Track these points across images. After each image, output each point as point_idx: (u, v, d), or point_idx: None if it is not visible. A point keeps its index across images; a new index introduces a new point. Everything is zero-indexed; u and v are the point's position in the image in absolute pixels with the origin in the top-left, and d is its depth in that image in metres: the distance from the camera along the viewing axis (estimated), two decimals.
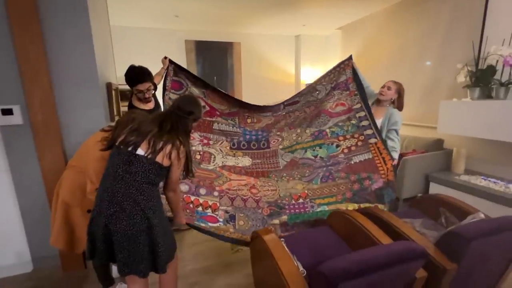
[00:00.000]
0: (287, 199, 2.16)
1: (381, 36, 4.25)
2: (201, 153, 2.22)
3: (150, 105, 2.26)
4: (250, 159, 2.32)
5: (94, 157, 1.53)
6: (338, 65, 2.42)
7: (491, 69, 2.51)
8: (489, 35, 2.68)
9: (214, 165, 2.21)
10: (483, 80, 2.59)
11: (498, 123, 2.43)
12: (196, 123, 1.55)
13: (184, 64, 5.00)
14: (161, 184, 1.42)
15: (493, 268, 1.50)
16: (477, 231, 1.28)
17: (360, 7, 4.03)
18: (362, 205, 2.12)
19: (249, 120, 2.41)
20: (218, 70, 5.48)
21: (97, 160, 1.52)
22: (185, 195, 1.99)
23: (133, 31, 4.76)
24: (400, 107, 2.33)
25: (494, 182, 2.64)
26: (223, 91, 2.36)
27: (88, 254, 1.33)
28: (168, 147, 1.28)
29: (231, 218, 2.00)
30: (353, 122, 2.34)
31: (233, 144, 2.34)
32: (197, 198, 2.01)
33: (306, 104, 2.46)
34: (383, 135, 2.28)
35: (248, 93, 5.62)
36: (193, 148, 2.20)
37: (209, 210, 1.99)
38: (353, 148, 2.30)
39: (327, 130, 2.38)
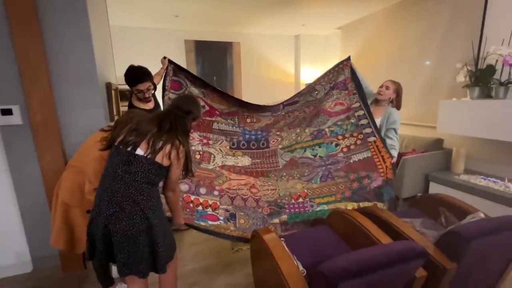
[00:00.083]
0: (286, 198, 2.16)
1: (380, 36, 4.25)
2: (201, 153, 2.22)
3: (150, 105, 2.26)
4: (250, 159, 2.32)
5: (94, 157, 1.53)
6: (337, 65, 2.43)
7: (491, 69, 2.52)
8: (488, 35, 2.68)
9: (214, 164, 2.21)
10: (482, 80, 2.59)
11: (497, 122, 2.43)
12: (195, 123, 1.55)
13: (183, 64, 4.99)
14: (161, 184, 1.42)
15: (493, 267, 1.50)
16: (477, 230, 1.28)
17: (360, 7, 4.03)
18: (361, 204, 2.13)
19: (248, 120, 2.41)
20: (218, 70, 5.48)
21: (97, 160, 1.52)
22: (185, 195, 1.99)
23: (133, 31, 4.76)
24: (398, 106, 2.34)
25: (494, 182, 2.65)
26: (222, 90, 2.36)
27: (88, 254, 1.32)
28: (168, 146, 1.28)
29: (232, 217, 2.00)
30: (352, 121, 2.34)
31: (233, 144, 2.34)
32: (197, 197, 2.01)
33: (306, 104, 2.47)
34: (382, 134, 2.29)
35: (248, 93, 5.62)
36: (193, 148, 2.20)
37: (209, 209, 1.99)
38: (352, 147, 2.31)
39: (326, 130, 2.38)
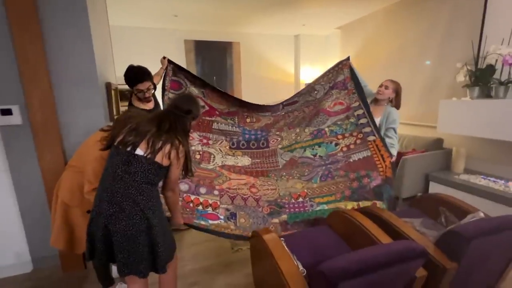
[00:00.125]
0: (286, 198, 2.17)
1: (380, 36, 4.25)
2: (201, 153, 2.22)
3: (150, 105, 2.26)
4: (250, 159, 2.32)
5: (94, 156, 1.53)
6: (336, 65, 2.43)
7: (491, 68, 2.52)
8: (488, 35, 2.68)
9: (214, 164, 2.21)
10: (482, 79, 2.59)
11: (497, 122, 2.43)
12: (194, 122, 1.54)
13: (183, 64, 4.99)
14: (160, 183, 1.42)
15: (493, 267, 1.50)
16: (477, 230, 1.28)
17: (360, 6, 4.03)
18: (361, 203, 2.13)
19: (248, 120, 2.41)
20: (218, 70, 5.48)
21: (96, 159, 1.52)
22: (185, 194, 1.99)
23: (132, 31, 4.76)
24: (397, 105, 2.35)
25: (494, 181, 2.65)
26: (222, 90, 2.36)
27: (88, 254, 1.32)
28: (167, 146, 1.28)
29: (232, 216, 2.01)
30: (352, 120, 2.34)
31: (233, 144, 2.34)
32: (197, 197, 2.01)
33: (305, 104, 2.47)
34: (382, 133, 2.29)
35: (248, 93, 5.62)
36: (193, 148, 2.20)
37: (209, 209, 1.99)
38: (352, 146, 2.31)
39: (326, 129, 2.38)
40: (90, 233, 1.30)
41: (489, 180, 2.69)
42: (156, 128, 1.29)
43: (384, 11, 4.12)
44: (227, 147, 2.32)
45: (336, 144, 2.34)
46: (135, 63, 2.11)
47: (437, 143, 3.25)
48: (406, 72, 3.76)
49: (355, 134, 2.32)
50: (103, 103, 2.19)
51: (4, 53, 1.84)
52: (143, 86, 2.08)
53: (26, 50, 1.84)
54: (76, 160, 1.69)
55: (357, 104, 2.35)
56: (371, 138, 2.27)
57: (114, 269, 1.93)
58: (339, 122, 2.38)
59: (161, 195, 1.43)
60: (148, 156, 1.25)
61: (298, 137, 2.40)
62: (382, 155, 2.20)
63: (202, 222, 1.92)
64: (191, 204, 1.97)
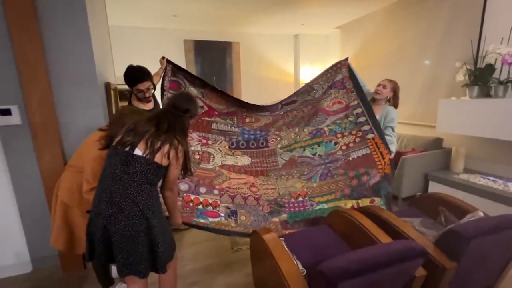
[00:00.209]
0: (286, 197, 2.17)
1: (380, 35, 4.25)
2: (200, 153, 2.22)
3: (150, 105, 2.26)
4: (249, 158, 2.32)
5: (93, 156, 1.53)
6: (335, 65, 2.43)
7: (490, 68, 2.52)
8: (487, 34, 2.68)
9: (214, 164, 2.21)
10: (481, 79, 2.59)
11: (497, 121, 2.44)
12: (193, 120, 1.53)
13: (183, 64, 4.99)
14: (159, 183, 1.41)
15: (492, 266, 1.50)
16: (476, 229, 1.28)
17: (359, 6, 4.03)
18: (360, 201, 2.14)
19: (247, 120, 2.41)
20: (217, 70, 5.48)
21: (95, 159, 1.52)
22: (185, 194, 1.99)
23: (132, 31, 4.75)
24: (395, 105, 2.37)
25: (493, 181, 2.65)
26: (221, 90, 2.35)
27: (88, 255, 1.32)
28: (166, 146, 1.28)
29: (233, 213, 2.01)
30: (351, 119, 2.35)
31: (232, 144, 2.34)
32: (197, 197, 2.01)
33: (304, 103, 2.47)
34: None
35: (247, 93, 5.62)
36: (192, 148, 2.20)
37: (209, 207, 2.00)
38: (351, 144, 2.31)
39: (325, 128, 2.38)
40: (90, 234, 1.30)
41: (488, 179, 2.70)
42: (155, 128, 1.29)
43: (383, 11, 4.13)
44: (227, 147, 2.32)
45: (336, 143, 2.34)
46: (135, 63, 2.11)
47: (437, 143, 3.26)
48: (405, 72, 3.77)
49: (354, 132, 2.33)
50: (102, 103, 2.18)
51: (3, 53, 1.84)
52: (143, 86, 2.08)
53: (25, 50, 1.83)
54: (76, 160, 1.69)
55: (356, 102, 2.35)
56: (370, 136, 2.27)
57: (114, 269, 1.93)
58: (338, 121, 2.38)
59: (160, 195, 1.43)
60: (147, 156, 1.24)
61: (298, 137, 2.40)
62: (381, 152, 2.21)
63: (202, 220, 1.93)
64: (191, 204, 1.97)
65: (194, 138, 2.24)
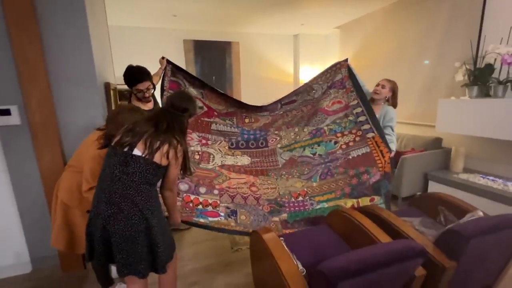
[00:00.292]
0: (286, 197, 2.17)
1: (379, 35, 4.25)
2: (200, 153, 2.22)
3: (150, 105, 2.25)
4: (249, 158, 2.32)
5: (92, 155, 1.54)
6: (334, 65, 2.43)
7: (489, 68, 2.52)
8: (487, 34, 2.68)
9: (213, 164, 2.21)
10: (481, 79, 2.59)
11: (496, 121, 2.44)
12: (192, 119, 1.52)
13: (182, 64, 4.99)
14: (159, 183, 1.41)
15: (492, 266, 1.50)
16: (476, 229, 1.28)
17: (359, 6, 4.04)
18: (360, 200, 2.14)
19: (247, 120, 2.41)
20: (217, 70, 5.48)
21: (94, 158, 1.52)
22: (184, 194, 1.99)
23: (131, 31, 4.75)
24: (394, 104, 2.37)
25: (493, 180, 2.65)
26: (221, 91, 2.36)
27: (87, 255, 1.32)
28: (165, 146, 1.27)
29: (233, 213, 2.01)
30: (351, 118, 2.35)
31: (232, 144, 2.34)
32: (197, 197, 2.01)
33: (303, 103, 2.47)
34: None
35: (247, 93, 5.63)
36: (192, 148, 2.20)
37: (209, 207, 2.00)
38: (351, 143, 2.31)
39: (325, 128, 2.39)
40: (89, 234, 1.30)
41: (488, 179, 2.70)
42: (154, 129, 1.28)
43: (383, 11, 4.13)
44: (226, 147, 2.32)
45: (336, 142, 2.34)
46: (134, 63, 2.11)
47: (436, 142, 3.26)
48: (405, 72, 3.77)
49: (354, 131, 2.33)
50: (102, 103, 2.18)
51: (2, 53, 1.84)
52: (142, 86, 2.07)
53: (25, 50, 1.83)
54: (75, 160, 1.69)
55: (355, 102, 2.35)
56: (370, 135, 2.27)
57: (113, 269, 1.93)
58: (338, 121, 2.38)
59: (159, 195, 1.43)
60: (146, 157, 1.24)
61: (297, 137, 2.40)
62: (381, 151, 2.21)
63: (201, 220, 1.93)
64: (190, 204, 1.97)
65: (193, 138, 2.24)
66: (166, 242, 1.36)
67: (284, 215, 2.09)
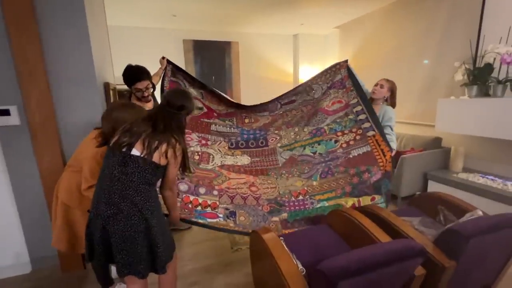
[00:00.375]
0: (286, 196, 2.17)
1: (379, 35, 4.25)
2: (200, 153, 2.22)
3: (149, 105, 2.25)
4: (249, 158, 2.32)
5: (90, 154, 1.54)
6: (334, 66, 2.44)
7: (489, 67, 2.52)
8: (486, 33, 2.69)
9: (213, 165, 2.21)
10: (480, 78, 2.60)
11: (496, 121, 2.44)
12: (189, 116, 1.51)
13: (182, 64, 4.99)
14: (158, 183, 1.41)
15: (491, 265, 1.50)
16: (476, 228, 1.28)
17: (358, 6, 4.04)
18: (361, 199, 2.14)
19: (246, 120, 2.41)
20: (216, 70, 5.47)
21: (93, 157, 1.53)
22: (184, 195, 1.99)
23: (131, 31, 4.75)
24: (393, 104, 2.37)
25: (492, 180, 2.65)
26: (221, 93, 2.36)
27: (87, 255, 1.32)
28: (164, 146, 1.27)
29: (231, 214, 2.01)
30: (351, 117, 2.35)
31: (231, 144, 2.34)
32: (196, 197, 2.01)
33: (303, 103, 2.47)
34: None
35: (247, 93, 5.62)
36: (192, 148, 2.20)
37: (208, 209, 2.00)
38: (351, 142, 2.31)
39: (325, 127, 2.39)
40: (89, 234, 1.30)
41: (487, 178, 2.70)
42: (152, 129, 1.28)
43: (382, 11, 4.13)
44: (226, 148, 2.32)
45: (336, 141, 2.34)
46: (134, 63, 2.11)
47: (436, 142, 3.26)
48: (404, 71, 3.77)
49: (354, 130, 2.33)
50: (101, 103, 2.18)
51: (1, 54, 1.83)
52: (141, 85, 2.07)
53: (24, 50, 1.83)
54: (74, 160, 1.69)
55: (355, 100, 2.35)
56: (370, 133, 2.27)
57: (113, 269, 1.93)
58: (338, 120, 2.38)
59: (159, 195, 1.43)
60: (144, 156, 1.24)
61: (298, 137, 2.40)
62: (382, 150, 2.21)
63: (200, 221, 1.93)
64: (189, 205, 1.97)
65: (193, 139, 2.24)
66: (166, 242, 1.36)
67: (284, 215, 2.09)
